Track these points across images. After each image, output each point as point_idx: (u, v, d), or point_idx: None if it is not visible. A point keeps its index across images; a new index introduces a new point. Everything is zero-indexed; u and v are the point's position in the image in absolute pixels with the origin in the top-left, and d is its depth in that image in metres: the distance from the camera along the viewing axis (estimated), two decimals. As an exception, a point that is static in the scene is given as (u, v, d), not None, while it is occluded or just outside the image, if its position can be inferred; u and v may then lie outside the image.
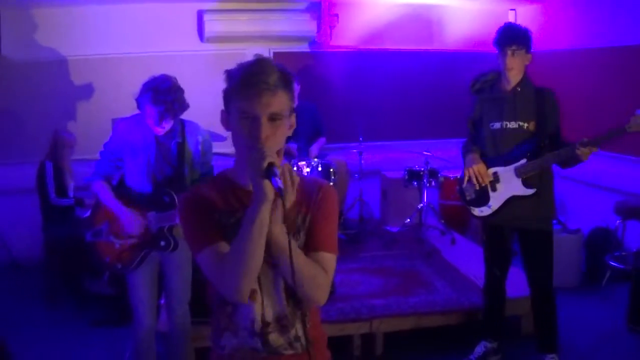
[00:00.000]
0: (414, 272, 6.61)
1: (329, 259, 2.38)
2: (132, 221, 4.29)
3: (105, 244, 4.40)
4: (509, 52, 4.64)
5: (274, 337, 2.37)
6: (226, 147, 7.49)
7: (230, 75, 2.29)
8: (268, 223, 2.17)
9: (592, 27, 7.99)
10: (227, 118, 2.33)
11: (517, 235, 4.98)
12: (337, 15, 8.95)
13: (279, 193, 2.08)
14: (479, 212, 5.06)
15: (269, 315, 2.35)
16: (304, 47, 9.06)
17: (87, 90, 8.39)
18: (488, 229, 5.11)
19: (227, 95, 2.30)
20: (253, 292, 2.30)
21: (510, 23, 4.87)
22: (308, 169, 7.20)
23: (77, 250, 6.53)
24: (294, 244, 2.23)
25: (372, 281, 6.31)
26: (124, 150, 4.32)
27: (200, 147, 4.48)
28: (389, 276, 6.46)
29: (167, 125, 4.28)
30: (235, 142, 2.29)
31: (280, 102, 2.23)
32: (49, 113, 8.17)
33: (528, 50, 4.70)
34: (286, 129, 2.31)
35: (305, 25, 8.70)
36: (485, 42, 9.28)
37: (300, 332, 2.40)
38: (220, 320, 2.42)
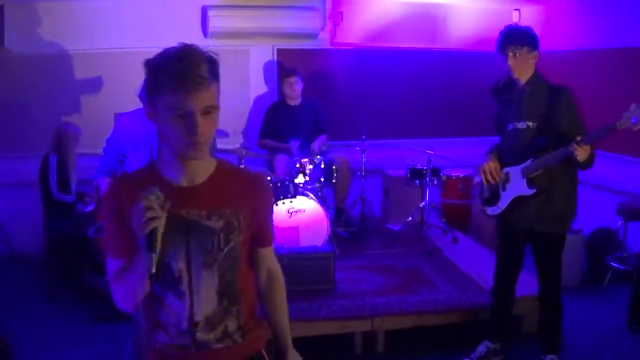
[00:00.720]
0: (416, 270, 6.61)
1: (273, 250, 2.57)
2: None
3: (108, 240, 4.37)
4: (510, 54, 4.63)
5: (202, 335, 2.35)
6: (229, 143, 7.55)
7: (154, 66, 2.20)
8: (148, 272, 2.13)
9: (597, 28, 7.99)
10: (152, 111, 2.23)
11: (528, 236, 4.96)
12: (341, 12, 8.93)
13: (151, 277, 2.11)
14: (490, 211, 5.08)
15: (199, 315, 2.33)
16: (308, 44, 9.04)
17: (90, 84, 8.38)
18: (502, 230, 5.11)
19: (152, 87, 2.20)
20: (181, 294, 2.31)
21: (509, 25, 4.85)
22: (311, 166, 7.19)
23: (78, 245, 6.54)
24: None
25: (373, 279, 6.31)
26: (126, 145, 4.31)
27: None
28: (390, 274, 6.46)
29: None
30: (166, 137, 2.23)
31: (213, 94, 2.17)
32: (53, 107, 8.17)
33: (532, 48, 4.66)
34: (217, 119, 2.24)
35: (310, 22, 8.70)
36: (489, 42, 9.26)
37: (232, 328, 2.40)
38: (152, 316, 2.40)
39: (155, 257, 2.06)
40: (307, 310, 5.37)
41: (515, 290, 5.16)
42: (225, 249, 2.30)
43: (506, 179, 4.86)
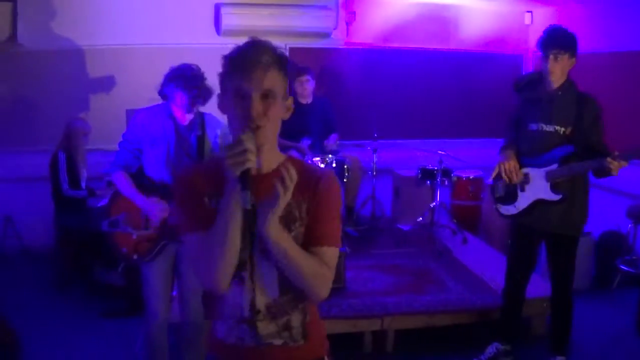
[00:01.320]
0: (426, 270, 6.62)
1: (331, 252, 2.34)
2: (155, 209, 4.30)
3: (122, 234, 4.39)
4: (552, 57, 4.58)
5: (263, 325, 2.33)
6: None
7: (225, 58, 2.27)
8: (239, 216, 2.15)
9: (610, 31, 7.96)
10: (223, 101, 2.30)
11: (544, 239, 4.95)
12: (354, 12, 8.95)
13: (246, 213, 2.10)
14: (504, 210, 5.04)
15: (260, 303, 2.32)
16: (320, 43, 9.05)
17: (102, 81, 8.40)
18: (516, 232, 5.09)
19: (223, 78, 2.28)
20: (242, 279, 2.29)
21: (555, 26, 4.72)
22: (322, 165, 7.19)
23: (88, 240, 6.56)
24: (290, 243, 2.21)
25: (383, 278, 6.31)
26: (143, 141, 4.31)
27: (219, 140, 4.47)
28: (400, 274, 6.47)
29: (194, 112, 4.32)
30: (231, 124, 2.28)
31: (273, 79, 2.20)
32: (64, 102, 8.19)
33: (572, 55, 4.62)
34: (281, 111, 2.28)
35: (323, 21, 8.71)
36: (501, 43, 9.32)
37: (296, 323, 2.38)
38: (211, 305, 2.41)
39: (249, 194, 2.06)
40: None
41: (526, 291, 5.14)
42: None
43: (525, 180, 4.82)
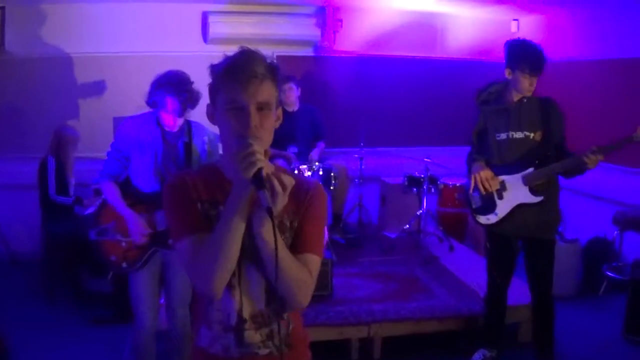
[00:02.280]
0: (413, 277, 6.64)
1: (315, 261, 2.35)
2: (137, 228, 4.30)
3: (111, 242, 4.40)
4: (534, 80, 4.68)
5: (249, 334, 2.34)
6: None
7: (215, 68, 2.27)
8: (244, 220, 2.16)
9: (596, 39, 8.02)
10: (212, 111, 2.30)
11: (522, 243, 5.00)
12: (341, 20, 8.97)
13: (268, 212, 2.05)
14: (485, 219, 5.07)
15: (246, 312, 2.32)
16: (307, 52, 9.10)
17: (90, 88, 8.41)
18: (493, 237, 5.13)
19: (213, 88, 2.27)
20: (231, 287, 2.30)
21: (538, 47, 4.74)
22: (309, 173, 7.20)
23: (76, 248, 6.55)
24: (281, 244, 2.19)
25: (371, 286, 6.33)
26: (131, 149, 4.33)
27: (206, 147, 4.49)
28: (387, 281, 6.49)
29: (182, 120, 4.33)
30: (222, 135, 2.27)
31: (267, 91, 2.21)
32: (52, 110, 8.19)
33: None
34: (273, 121, 2.28)
35: (310, 29, 8.77)
36: (487, 51, 9.37)
37: (282, 334, 2.38)
38: (198, 313, 2.41)
39: (268, 194, 2.05)
40: (304, 316, 5.36)
41: (507, 296, 5.19)
42: None
43: (502, 187, 4.89)
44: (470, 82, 9.26)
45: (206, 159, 4.48)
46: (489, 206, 5.00)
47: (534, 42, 4.74)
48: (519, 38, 4.90)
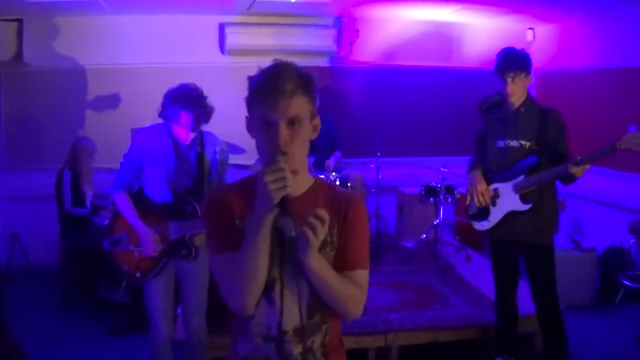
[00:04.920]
0: (429, 287, 6.64)
1: (364, 275, 2.37)
2: (150, 243, 4.32)
3: (124, 252, 4.43)
4: (509, 79, 4.70)
5: (290, 346, 2.33)
6: (245, 159, 7.59)
7: (251, 80, 2.29)
8: (267, 239, 2.17)
9: (612, 47, 8.00)
10: (250, 125, 2.33)
11: (519, 251, 5.02)
12: (357, 30, 9.00)
13: (290, 240, 2.09)
14: (479, 226, 5.14)
15: (287, 325, 2.30)
16: (324, 62, 9.12)
17: (107, 100, 8.47)
18: (493, 245, 5.18)
19: (249, 102, 2.30)
20: (272, 301, 2.30)
21: (508, 48, 4.85)
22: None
23: (93, 258, 6.58)
24: (329, 269, 2.24)
25: (388, 295, 6.34)
26: (143, 160, 4.35)
27: (218, 157, 4.53)
28: (404, 291, 6.49)
29: (195, 134, 4.35)
30: (259, 148, 2.29)
31: (298, 106, 2.22)
32: (69, 121, 8.27)
33: (528, 73, 4.76)
34: (308, 133, 2.32)
35: (326, 40, 8.79)
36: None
37: (317, 345, 2.38)
38: (236, 324, 2.41)
39: (292, 221, 2.09)
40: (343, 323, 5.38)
41: (517, 302, 5.18)
42: None
43: (495, 195, 4.95)
44: (486, 92, 9.25)
45: (217, 169, 4.51)
46: (483, 213, 5.06)
47: (515, 48, 4.80)
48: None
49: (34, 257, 8.04)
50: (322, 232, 2.11)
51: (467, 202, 5.20)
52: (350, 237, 2.37)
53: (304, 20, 8.77)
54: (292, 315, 2.30)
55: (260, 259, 2.18)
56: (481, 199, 4.96)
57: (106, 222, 4.83)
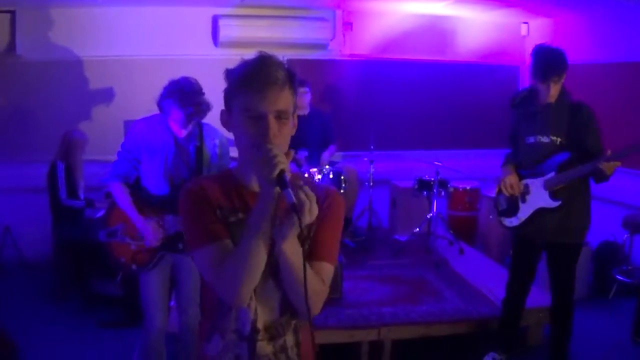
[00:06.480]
0: (423, 281, 6.63)
1: (329, 269, 2.32)
2: (149, 232, 4.30)
3: (120, 244, 4.40)
4: (552, 84, 4.64)
5: (262, 345, 2.30)
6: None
7: (231, 73, 2.23)
8: (271, 227, 2.11)
9: (606, 42, 8.01)
10: (227, 118, 2.25)
11: (545, 247, 4.98)
12: (351, 23, 9.00)
13: (293, 209, 1.98)
14: (508, 222, 5.10)
15: (261, 323, 2.29)
16: (318, 55, 9.10)
17: (100, 91, 8.44)
18: (517, 242, 5.14)
19: (229, 94, 2.23)
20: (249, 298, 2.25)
21: (546, 48, 4.73)
22: (319, 176, 7.21)
23: (86, 251, 6.57)
24: (302, 259, 2.13)
25: (381, 289, 6.33)
26: (142, 151, 4.32)
27: (217, 150, 4.49)
28: (397, 284, 6.49)
29: (190, 128, 4.33)
30: (239, 142, 2.21)
31: (286, 99, 2.16)
32: (62, 113, 8.22)
33: (565, 72, 4.68)
34: (291, 129, 2.22)
35: (320, 33, 8.77)
36: (497, 55, 9.37)
37: (290, 343, 2.36)
38: (211, 321, 2.37)
39: (292, 192, 1.99)
40: (314, 319, 5.35)
41: (525, 301, 5.18)
42: None
43: (526, 191, 4.91)
44: (480, 85, 9.34)
45: (217, 162, 4.48)
46: (512, 209, 5.03)
47: (552, 47, 4.70)
48: (539, 45, 4.82)
49: (26, 249, 7.99)
50: (313, 210, 2.03)
51: (496, 197, 5.20)
52: (322, 229, 2.32)
53: (298, 12, 8.75)
54: (265, 313, 2.29)
55: (264, 248, 2.11)
56: (510, 190, 4.93)
57: (99, 214, 4.81)
